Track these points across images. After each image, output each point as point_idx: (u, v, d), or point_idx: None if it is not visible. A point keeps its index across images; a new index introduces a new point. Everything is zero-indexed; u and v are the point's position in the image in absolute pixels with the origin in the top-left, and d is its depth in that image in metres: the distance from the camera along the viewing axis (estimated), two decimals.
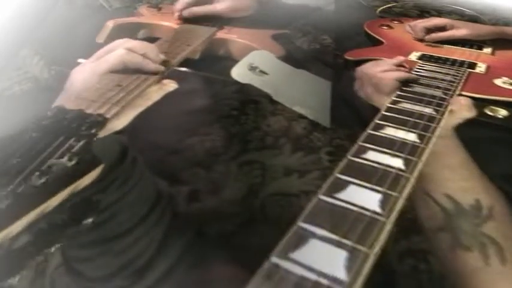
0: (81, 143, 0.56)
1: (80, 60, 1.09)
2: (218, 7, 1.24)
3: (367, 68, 0.95)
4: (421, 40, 1.24)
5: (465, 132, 0.80)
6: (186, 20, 1.24)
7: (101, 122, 0.61)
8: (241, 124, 0.97)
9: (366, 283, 0.73)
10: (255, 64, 0.90)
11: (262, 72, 0.88)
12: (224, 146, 0.93)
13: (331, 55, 1.23)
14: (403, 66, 0.98)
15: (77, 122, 0.59)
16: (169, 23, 1.24)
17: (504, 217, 0.67)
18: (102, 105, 0.66)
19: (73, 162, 0.54)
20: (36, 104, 1.04)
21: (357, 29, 1.39)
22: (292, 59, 1.11)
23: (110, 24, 1.19)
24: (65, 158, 0.53)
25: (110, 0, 1.52)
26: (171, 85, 0.78)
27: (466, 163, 0.73)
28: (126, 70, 0.77)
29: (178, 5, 1.25)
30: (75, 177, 0.54)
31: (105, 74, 0.75)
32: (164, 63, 0.85)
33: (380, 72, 0.91)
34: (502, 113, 0.86)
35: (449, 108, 0.78)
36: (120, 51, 0.77)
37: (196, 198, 0.81)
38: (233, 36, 1.17)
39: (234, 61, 1.07)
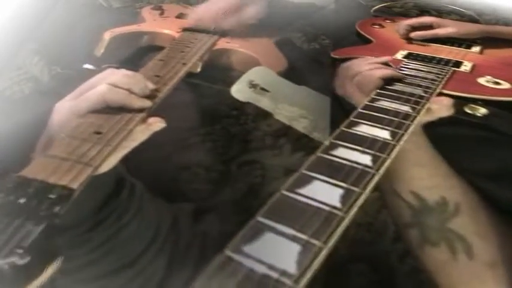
0: (41, 227, 0.48)
1: (85, 66, 1.11)
2: (251, 14, 1.18)
3: (350, 66, 0.94)
4: (410, 39, 1.25)
5: (444, 130, 0.81)
6: (187, 27, 1.20)
7: (66, 196, 0.53)
8: (241, 124, 0.98)
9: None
10: (256, 81, 0.89)
11: (263, 89, 0.88)
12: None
13: (329, 55, 1.24)
14: (388, 65, 0.98)
15: (38, 199, 0.52)
16: (170, 31, 1.20)
17: (472, 213, 0.68)
18: (72, 166, 0.57)
19: (25, 260, 0.46)
20: (35, 105, 1.05)
21: (355, 29, 1.40)
22: (295, 70, 1.11)
23: (107, 36, 1.14)
24: (15, 256, 0.45)
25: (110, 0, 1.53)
26: (157, 124, 0.70)
27: (433, 160, 0.73)
28: (108, 109, 0.69)
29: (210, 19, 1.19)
30: (28, 279, 0.47)
31: (85, 115, 0.67)
32: (153, 93, 0.76)
33: (365, 70, 0.90)
34: (481, 111, 0.87)
35: (427, 106, 0.79)
36: (102, 87, 0.68)
37: (201, 217, 0.82)
38: (235, 46, 1.15)
39: (236, 71, 1.07)
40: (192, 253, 0.74)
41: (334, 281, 0.76)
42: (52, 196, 0.52)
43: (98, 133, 0.64)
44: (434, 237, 0.66)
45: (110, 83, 0.69)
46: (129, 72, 0.74)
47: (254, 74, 0.92)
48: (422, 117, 0.75)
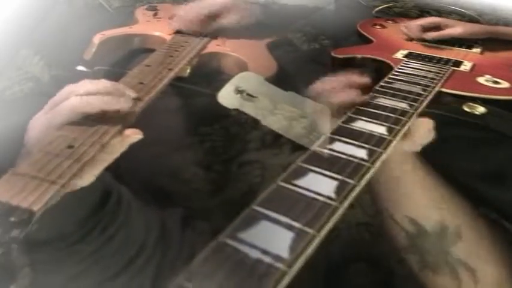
0: None
1: (78, 67, 1.10)
2: (231, 20, 1.17)
3: (319, 86, 0.85)
4: (411, 39, 1.25)
5: (441, 130, 0.80)
6: (178, 30, 1.18)
7: (27, 219, 0.50)
8: (240, 124, 0.98)
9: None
10: (242, 87, 0.88)
11: (250, 95, 0.87)
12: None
13: (328, 55, 1.24)
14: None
15: None
16: (161, 33, 1.19)
17: (473, 236, 0.65)
18: (38, 184, 0.55)
19: None
20: (35, 105, 1.05)
21: (355, 29, 1.40)
22: (286, 74, 1.11)
23: (96, 40, 1.11)
24: None
25: None
26: (134, 136, 0.67)
27: (429, 186, 0.70)
28: (85, 120, 0.66)
29: (188, 20, 1.17)
30: None
31: (60, 128, 0.64)
32: (134, 102, 0.73)
33: (327, 91, 0.82)
34: (480, 110, 0.87)
35: (407, 125, 0.72)
36: (72, 99, 0.65)
37: (189, 223, 0.81)
38: (225, 49, 1.14)
39: (227, 75, 1.05)
40: (180, 264, 0.73)
41: (334, 281, 0.76)
42: (13, 219, 0.50)
43: (71, 147, 0.62)
44: (435, 264, 0.64)
45: (82, 92, 0.66)
46: (107, 82, 0.71)
47: (240, 80, 0.91)
48: (402, 144, 0.70)
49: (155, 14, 1.34)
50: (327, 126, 0.80)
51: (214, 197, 0.89)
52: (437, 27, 1.25)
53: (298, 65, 1.22)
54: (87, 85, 0.68)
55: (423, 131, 0.73)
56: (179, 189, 0.90)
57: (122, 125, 0.68)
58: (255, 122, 0.92)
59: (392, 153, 0.65)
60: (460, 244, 0.64)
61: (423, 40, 1.26)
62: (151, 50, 1.09)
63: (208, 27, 1.17)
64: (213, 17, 1.17)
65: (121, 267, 0.69)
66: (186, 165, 0.93)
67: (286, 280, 0.40)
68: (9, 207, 0.51)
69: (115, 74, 1.06)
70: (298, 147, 0.89)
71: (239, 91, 0.85)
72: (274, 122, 0.90)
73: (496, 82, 0.97)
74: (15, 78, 1.16)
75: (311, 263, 0.43)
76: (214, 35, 1.18)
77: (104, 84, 0.70)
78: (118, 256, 0.69)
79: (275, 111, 0.91)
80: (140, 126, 0.70)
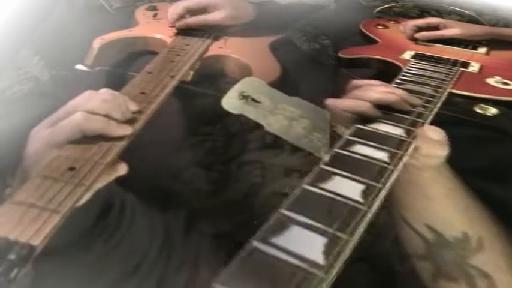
0: None
1: (77, 66, 1.09)
2: (215, 17, 1.16)
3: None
4: (415, 39, 1.25)
5: (452, 131, 0.80)
6: (179, 31, 1.17)
7: (26, 256, 0.46)
8: (241, 123, 0.98)
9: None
10: (247, 93, 0.88)
11: (255, 101, 0.86)
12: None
13: (330, 55, 1.24)
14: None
15: None
16: (162, 35, 1.17)
17: (495, 247, 0.64)
18: (38, 214, 0.51)
19: None
20: (34, 106, 1.04)
21: (356, 29, 1.40)
22: (289, 77, 1.10)
23: (96, 44, 1.08)
24: None
25: (110, 0, 1.52)
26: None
27: (450, 195, 0.67)
28: (86, 138, 0.62)
29: (173, 15, 1.17)
30: None
31: (61, 147, 0.61)
32: (136, 115, 0.69)
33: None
34: (492, 111, 0.87)
35: (413, 145, 0.66)
36: (77, 116, 0.61)
37: (192, 225, 0.81)
38: (228, 52, 1.12)
39: (229, 78, 1.07)
40: (184, 271, 0.73)
41: (335, 281, 0.76)
42: (11, 257, 0.46)
43: (72, 169, 0.58)
44: (452, 273, 0.63)
45: (86, 110, 0.62)
46: (109, 95, 0.67)
47: (245, 85, 0.91)
48: (413, 159, 0.65)
49: (155, 15, 1.32)
50: (327, 129, 0.80)
51: (214, 197, 0.89)
52: (436, 28, 1.26)
53: (299, 65, 1.22)
54: (91, 102, 0.64)
55: (431, 142, 0.67)
56: (180, 190, 0.89)
57: (125, 141, 0.65)
58: (257, 124, 0.92)
59: (414, 158, 0.64)
60: (482, 255, 0.63)
61: (415, 39, 1.26)
62: (154, 51, 1.09)
63: (196, 23, 1.17)
64: (199, 12, 1.17)
65: (126, 275, 0.68)
66: (187, 165, 0.92)
67: (323, 287, 0.39)
68: (7, 242, 0.47)
69: (116, 74, 1.06)
70: (298, 147, 0.89)
71: (244, 96, 0.84)
72: (274, 121, 0.90)
73: (506, 83, 0.97)
74: (15, 78, 1.15)
75: None
76: (216, 36, 1.17)
77: (107, 104, 0.65)
78: (122, 264, 0.69)
79: (276, 111, 0.90)
80: (142, 128, 0.69)
